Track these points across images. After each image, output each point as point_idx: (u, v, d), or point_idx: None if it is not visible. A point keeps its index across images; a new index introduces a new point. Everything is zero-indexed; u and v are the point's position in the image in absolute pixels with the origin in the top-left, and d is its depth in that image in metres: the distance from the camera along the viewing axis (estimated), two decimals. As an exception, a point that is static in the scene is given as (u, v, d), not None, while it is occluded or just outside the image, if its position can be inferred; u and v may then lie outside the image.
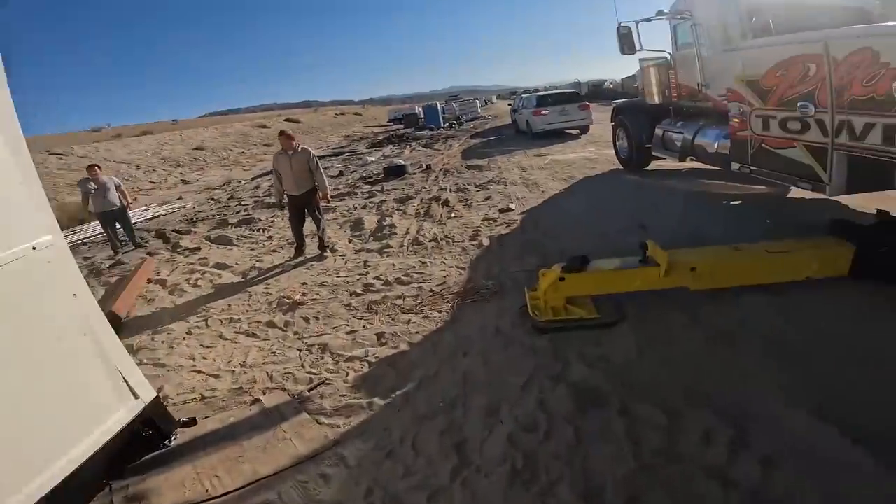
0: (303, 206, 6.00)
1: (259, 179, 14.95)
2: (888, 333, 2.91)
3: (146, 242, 8.05)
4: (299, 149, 5.84)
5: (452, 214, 7.08)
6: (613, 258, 3.75)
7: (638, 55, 6.64)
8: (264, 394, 3.29)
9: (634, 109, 7.96)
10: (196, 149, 24.94)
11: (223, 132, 29.66)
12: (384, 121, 43.57)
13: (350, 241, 6.65)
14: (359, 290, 4.86)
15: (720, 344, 3.05)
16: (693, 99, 6.05)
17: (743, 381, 2.69)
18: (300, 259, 6.09)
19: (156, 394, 2.90)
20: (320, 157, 18.85)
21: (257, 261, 6.30)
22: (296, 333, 4.21)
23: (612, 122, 8.77)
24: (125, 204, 7.81)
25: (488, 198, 7.79)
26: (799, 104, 3.54)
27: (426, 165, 11.52)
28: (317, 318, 4.42)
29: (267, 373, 3.57)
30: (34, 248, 2.31)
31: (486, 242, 5.61)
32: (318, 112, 65.80)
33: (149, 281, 5.96)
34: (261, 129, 31.51)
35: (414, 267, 5.24)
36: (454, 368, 3.31)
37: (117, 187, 7.67)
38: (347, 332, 4.06)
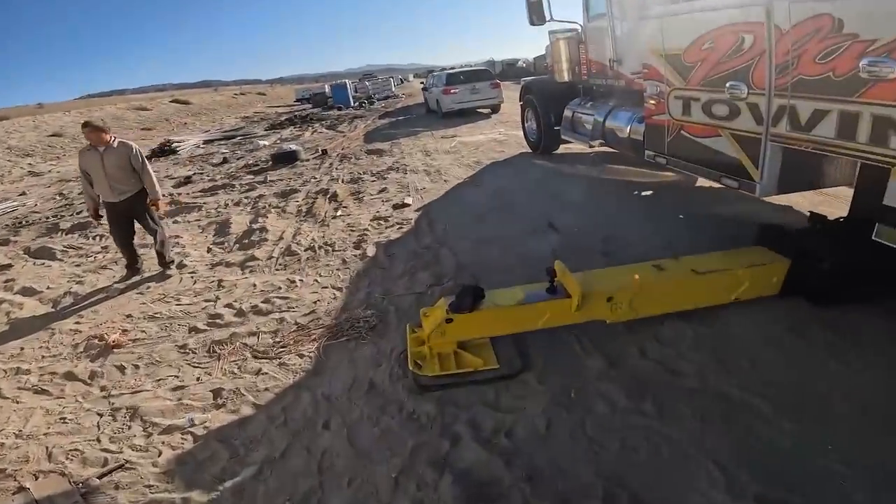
0: (128, 216, 4.52)
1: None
2: (841, 378, 2.30)
3: None
4: (115, 143, 4.34)
5: (339, 212, 5.90)
6: (515, 287, 2.89)
7: (548, 27, 5.81)
8: (36, 478, 2.37)
9: (543, 88, 7.13)
10: (53, 135, 20.90)
11: (87, 116, 24.86)
12: (291, 101, 40.09)
13: (209, 251, 5.26)
14: (201, 325, 3.65)
15: (645, 401, 2.30)
16: (605, 77, 5.30)
17: (676, 462, 1.99)
18: (135, 279, 4.65)
19: None
20: (209, 141, 16.74)
21: (77, 282, 4.76)
22: (102, 389, 3.04)
23: (520, 101, 7.95)
24: None
25: (384, 190, 6.68)
26: (728, 84, 2.81)
27: (322, 150, 10.08)
28: (136, 367, 3.22)
29: (47, 447, 2.56)
30: None
31: (371, 252, 4.54)
32: (218, 92, 59.41)
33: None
34: (139, 112, 27.19)
35: (280, 288, 4.07)
36: (309, 447, 2.36)
37: None
38: (173, 389, 2.96)
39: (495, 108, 14.49)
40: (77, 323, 3.94)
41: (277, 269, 4.51)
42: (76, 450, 2.52)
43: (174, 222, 6.49)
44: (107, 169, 4.27)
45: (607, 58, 4.92)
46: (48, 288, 4.71)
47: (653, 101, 3.70)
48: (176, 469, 2.33)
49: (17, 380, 3.23)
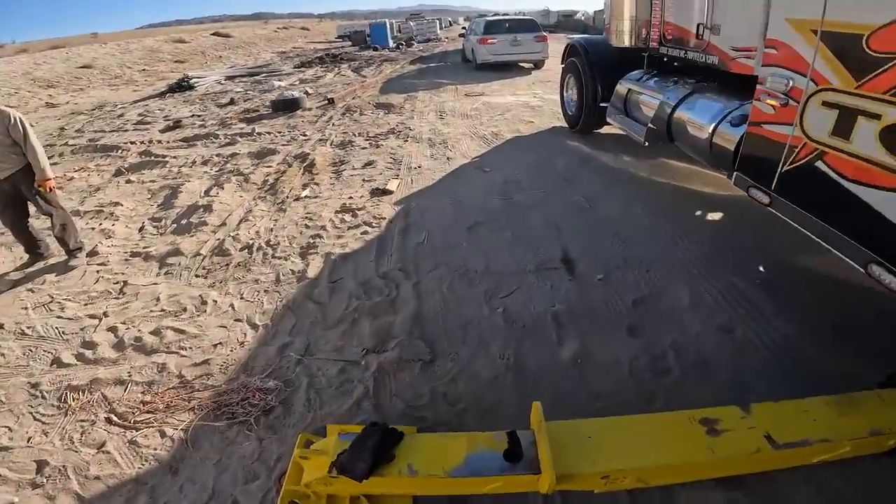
0: (17, 196, 3.40)
1: (141, 104, 11.39)
2: None
3: None
4: None
5: (305, 192, 4.56)
6: (458, 436, 1.61)
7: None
8: None
9: (593, 52, 5.16)
10: (82, 67, 19.72)
11: (125, 48, 23.73)
12: (332, 37, 37.54)
13: (140, 230, 4.10)
14: (67, 357, 2.58)
15: None
16: (684, 47, 3.45)
17: None
18: (39, 265, 3.60)
19: None
20: (231, 78, 15.34)
21: None
22: None
23: (562, 63, 6.10)
24: None
25: (370, 164, 5.24)
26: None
27: (328, 100, 8.56)
28: None
29: None
30: None
31: (314, 269, 3.23)
32: (267, 25, 56.48)
33: None
34: (176, 45, 25.54)
35: (184, 311, 2.91)
36: None
37: None
38: None
39: (538, 64, 12.33)
40: None
41: (197, 276, 3.30)
42: None
43: (126, 181, 5.34)
44: None
45: (694, 20, 3.13)
46: None
47: (771, 102, 2.07)
48: None
49: None
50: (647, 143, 3.84)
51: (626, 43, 4.38)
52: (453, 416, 2.07)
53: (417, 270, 3.13)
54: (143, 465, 1.94)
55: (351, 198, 4.35)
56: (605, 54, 4.97)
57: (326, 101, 8.52)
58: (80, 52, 24.01)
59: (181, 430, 2.08)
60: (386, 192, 4.37)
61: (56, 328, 2.84)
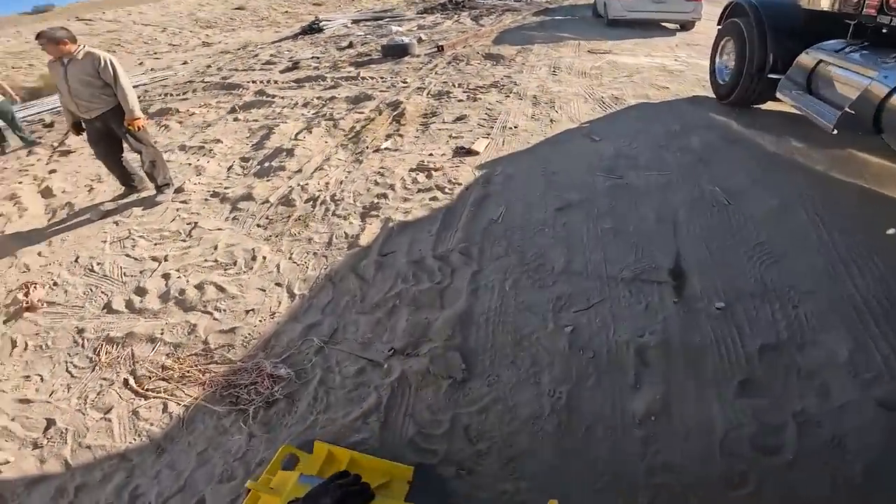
0: (109, 134, 3.49)
1: (276, 45, 11.88)
2: None
3: (39, 139, 5.76)
4: (79, 55, 3.27)
5: (387, 143, 4.14)
6: None
7: None
8: None
9: (769, 12, 3.80)
10: (237, 9, 21.04)
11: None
12: None
13: (228, 171, 4.07)
14: (117, 303, 2.57)
15: None
16: None
17: None
18: (132, 198, 3.73)
19: None
20: (356, 21, 15.41)
21: (88, 188, 3.99)
22: None
23: (718, 24, 4.71)
24: (9, 97, 5.70)
25: (463, 118, 4.60)
26: None
27: (438, 47, 7.93)
28: (24, 348, 2.33)
29: None
30: None
31: (369, 236, 2.83)
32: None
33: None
34: None
35: (233, 265, 2.75)
36: None
37: None
38: (20, 400, 2.04)
39: (686, 26, 10.12)
40: (39, 254, 3.13)
41: (258, 225, 3.14)
42: None
43: (234, 119, 5.43)
44: (70, 84, 3.27)
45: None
46: (63, 192, 4.01)
47: None
48: None
49: None
50: (835, 131, 2.71)
51: (826, 5, 3.13)
52: (468, 458, 1.59)
53: (482, 255, 2.56)
54: (134, 440, 1.80)
55: (431, 155, 3.83)
56: (786, 17, 3.68)
57: (436, 49, 7.91)
58: None
59: (183, 405, 1.90)
60: (471, 153, 3.76)
61: (121, 268, 2.87)
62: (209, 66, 9.57)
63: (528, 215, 2.90)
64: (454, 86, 5.64)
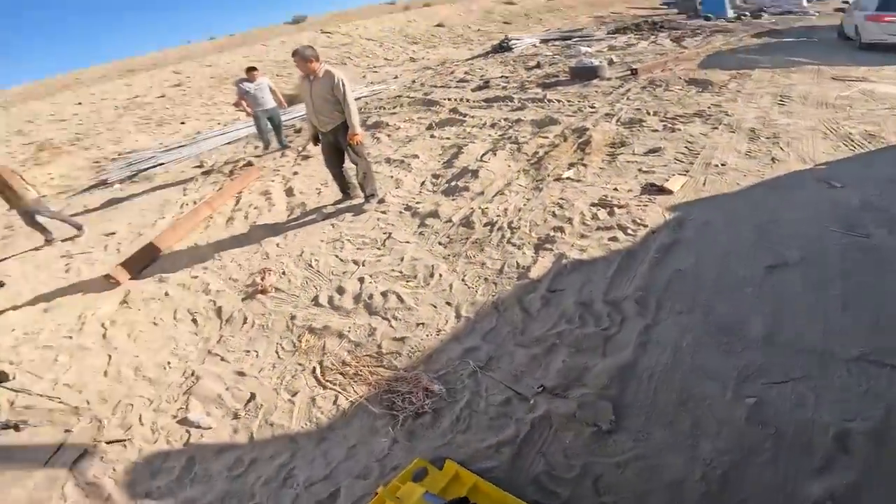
0: (336, 145, 4.09)
1: (469, 62, 12.83)
2: None
3: (290, 143, 7.24)
4: (321, 73, 3.81)
5: (569, 172, 4.04)
6: None
7: None
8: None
9: None
10: (437, 25, 22.96)
11: (467, 9, 26.45)
12: (658, 2, 32.82)
13: (421, 186, 4.52)
14: (323, 297, 3.07)
15: None
16: None
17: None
18: (347, 204, 4.40)
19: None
20: (545, 41, 15.51)
21: (318, 191, 4.87)
22: (206, 340, 2.89)
23: None
24: (278, 104, 6.96)
25: (657, 151, 4.19)
26: None
27: (631, 70, 7.42)
28: (252, 326, 2.94)
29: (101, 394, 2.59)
30: None
31: (540, 269, 2.80)
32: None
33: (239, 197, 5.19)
34: (506, 6, 27.04)
35: (415, 277, 3.05)
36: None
37: (270, 89, 6.78)
38: (237, 372, 2.56)
39: None
40: (281, 243, 3.90)
41: (440, 243, 3.40)
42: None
43: (431, 136, 5.99)
44: (313, 99, 3.85)
45: None
46: (300, 192, 4.92)
47: None
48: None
49: (186, 303, 3.34)
50: None
51: None
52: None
53: (660, 308, 2.31)
54: (306, 425, 2.10)
55: (616, 189, 3.61)
56: None
57: (629, 72, 7.42)
58: (436, 10, 28.13)
59: (350, 401, 2.16)
60: (662, 191, 3.42)
61: (330, 266, 3.39)
62: (413, 82, 10.68)
63: (727, 270, 2.50)
64: (648, 113, 5.21)
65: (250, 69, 6.76)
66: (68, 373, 2.84)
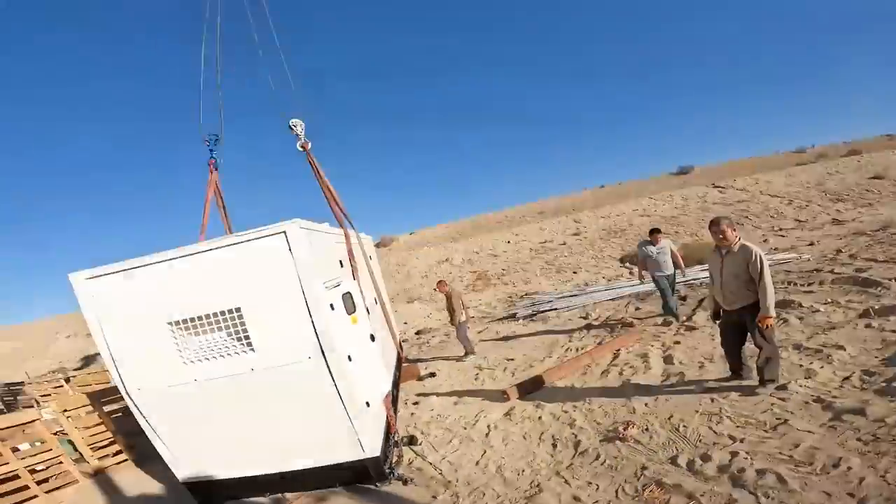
0: (741, 325, 3.79)
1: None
2: None
3: (683, 301, 7.10)
4: (736, 247, 3.65)
5: None
6: None
7: None
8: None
9: None
10: (873, 178, 17.31)
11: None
12: None
13: (843, 381, 3.69)
14: (681, 461, 3.00)
15: None
16: None
17: None
18: (734, 383, 4.02)
19: (378, 454, 3.36)
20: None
21: (700, 364, 4.66)
22: (568, 469, 3.27)
23: None
24: (677, 268, 6.61)
25: None
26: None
27: None
28: (596, 466, 3.21)
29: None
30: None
31: None
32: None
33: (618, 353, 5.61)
34: None
35: (810, 464, 2.57)
36: None
37: (672, 252, 6.58)
38: (570, 500, 2.88)
39: None
40: (645, 405, 3.97)
41: (858, 440, 2.69)
42: None
43: (866, 326, 4.64)
44: (724, 276, 3.71)
45: None
46: (679, 364, 4.79)
47: None
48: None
49: (548, 423, 3.97)
50: None
51: None
52: None
53: None
54: None
55: None
56: None
57: None
58: (872, 158, 21.61)
59: None
60: None
61: (700, 435, 3.26)
62: (839, 252, 8.57)
63: None
64: None
65: (654, 231, 6.62)
66: (454, 453, 3.78)
